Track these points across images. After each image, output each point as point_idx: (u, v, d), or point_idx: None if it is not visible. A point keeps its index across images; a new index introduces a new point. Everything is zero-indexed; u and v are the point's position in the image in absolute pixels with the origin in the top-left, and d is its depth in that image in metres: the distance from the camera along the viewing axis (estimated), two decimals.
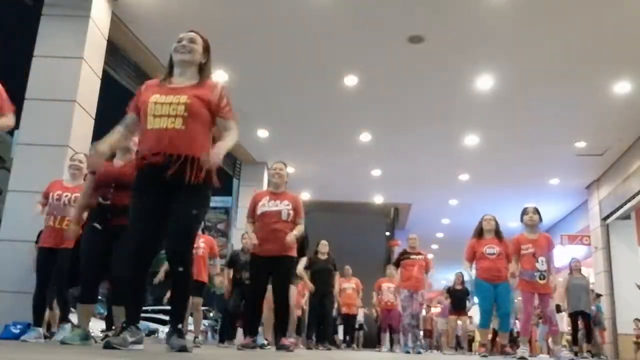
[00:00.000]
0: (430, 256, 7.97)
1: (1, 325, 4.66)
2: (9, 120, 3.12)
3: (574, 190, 11.73)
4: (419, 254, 7.57)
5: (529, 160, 10.17)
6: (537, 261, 5.07)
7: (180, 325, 2.59)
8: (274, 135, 9.60)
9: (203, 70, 2.80)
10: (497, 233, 5.79)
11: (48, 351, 2.13)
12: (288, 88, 7.82)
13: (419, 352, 7.35)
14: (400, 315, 9.52)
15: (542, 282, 5.03)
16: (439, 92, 7.87)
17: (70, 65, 5.47)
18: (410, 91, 7.88)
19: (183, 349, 2.45)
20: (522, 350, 5.21)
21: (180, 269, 2.57)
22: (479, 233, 5.88)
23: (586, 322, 8.21)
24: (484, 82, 7.52)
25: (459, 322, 9.70)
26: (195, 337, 6.20)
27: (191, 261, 2.63)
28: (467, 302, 9.82)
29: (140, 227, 2.61)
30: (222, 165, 2.50)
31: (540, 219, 5.32)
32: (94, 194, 3.50)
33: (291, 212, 4.39)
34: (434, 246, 17.89)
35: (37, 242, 4.76)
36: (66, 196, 4.39)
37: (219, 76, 7.60)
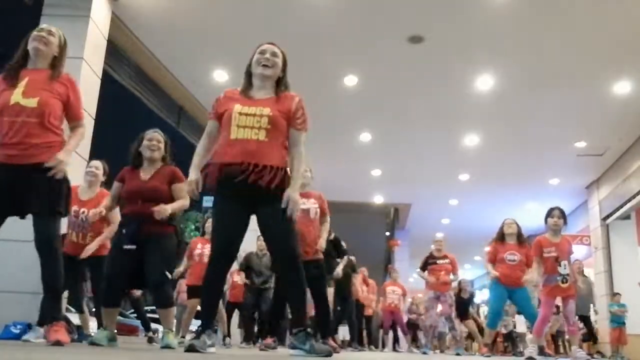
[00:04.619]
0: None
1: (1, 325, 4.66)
2: (83, 129, 3.08)
3: (574, 190, 11.73)
4: (445, 257, 7.52)
5: (529, 160, 10.17)
6: (560, 265, 4.96)
7: (311, 330, 2.61)
8: None
9: (281, 82, 2.84)
10: (519, 237, 5.75)
11: (48, 351, 2.13)
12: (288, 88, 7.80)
13: (458, 354, 7.25)
14: (401, 318, 9.55)
15: (564, 285, 4.95)
16: (439, 92, 7.87)
17: (70, 66, 5.41)
18: (410, 91, 7.88)
19: (329, 354, 2.48)
20: (531, 350, 5.19)
21: (294, 273, 2.60)
22: (501, 237, 5.82)
23: (587, 325, 8.21)
24: (484, 82, 7.52)
25: (463, 328, 9.67)
26: (225, 337, 6.23)
27: (301, 264, 2.65)
28: (471, 307, 9.83)
29: (220, 234, 2.66)
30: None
31: (565, 222, 5.16)
32: (120, 201, 3.56)
33: (318, 210, 4.45)
34: (434, 246, 17.88)
35: None
36: (83, 212, 4.35)
37: (219, 76, 7.61)
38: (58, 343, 2.68)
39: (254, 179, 2.58)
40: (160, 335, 6.85)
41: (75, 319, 5.42)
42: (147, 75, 7.53)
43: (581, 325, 8.29)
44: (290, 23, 6.41)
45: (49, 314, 2.88)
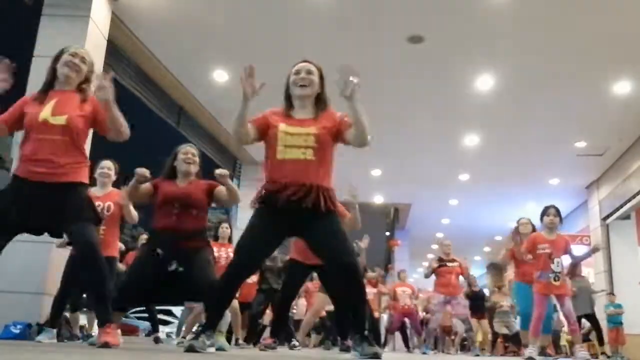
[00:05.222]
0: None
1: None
2: (126, 129, 3.01)
3: (574, 190, 11.73)
4: (454, 260, 7.47)
5: (529, 160, 10.17)
6: (553, 262, 4.98)
7: (366, 332, 2.62)
8: None
9: (320, 100, 2.85)
10: None
11: (49, 351, 2.13)
12: None
13: (477, 355, 7.23)
14: (416, 319, 9.48)
15: (556, 283, 4.96)
16: (439, 92, 7.87)
17: None
18: (410, 91, 7.88)
19: (375, 356, 2.50)
20: (531, 350, 5.19)
21: (356, 284, 2.60)
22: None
23: (594, 323, 8.18)
24: (484, 82, 7.51)
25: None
26: (237, 339, 6.22)
27: (361, 273, 2.67)
28: (485, 302, 9.72)
29: (246, 245, 2.65)
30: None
31: (561, 221, 5.22)
32: (157, 216, 3.51)
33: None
34: (434, 246, 17.88)
35: (69, 243, 4.78)
36: (98, 205, 4.38)
37: (219, 76, 7.61)
38: (106, 345, 2.71)
39: (303, 198, 2.58)
40: (159, 334, 6.87)
41: (82, 319, 5.44)
42: (147, 75, 7.53)
43: (587, 324, 8.26)
44: (290, 23, 6.41)
45: (100, 318, 2.90)
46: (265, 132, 2.78)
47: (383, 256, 17.13)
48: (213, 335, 2.69)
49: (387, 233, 15.93)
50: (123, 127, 2.93)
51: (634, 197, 9.50)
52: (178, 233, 3.35)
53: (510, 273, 14.05)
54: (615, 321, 8.80)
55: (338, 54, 7.05)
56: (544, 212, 5.23)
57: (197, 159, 3.63)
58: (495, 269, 20.72)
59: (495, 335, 9.76)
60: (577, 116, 8.37)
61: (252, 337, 7.03)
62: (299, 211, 2.59)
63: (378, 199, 13.55)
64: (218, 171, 3.34)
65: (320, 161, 2.70)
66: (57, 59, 3.02)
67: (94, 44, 5.72)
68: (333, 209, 2.67)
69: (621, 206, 10.10)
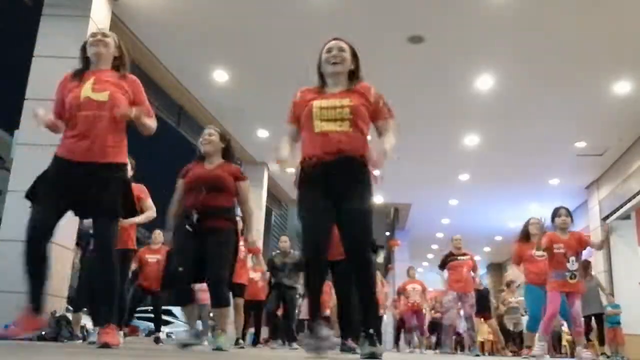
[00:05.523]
0: (477, 258, 7.83)
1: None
2: (153, 122, 3.05)
3: (574, 190, 11.73)
4: (465, 254, 7.45)
5: (529, 160, 10.17)
6: (568, 261, 5.02)
7: (372, 331, 2.60)
8: (274, 135, 9.58)
9: (354, 75, 2.89)
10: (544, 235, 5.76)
11: (49, 352, 2.14)
12: (288, 88, 7.77)
13: (477, 355, 7.22)
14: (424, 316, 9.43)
15: (572, 281, 5.00)
16: (439, 92, 7.87)
17: (70, 65, 5.41)
18: (410, 91, 7.87)
19: (372, 356, 2.49)
20: (537, 347, 5.19)
21: (364, 269, 2.61)
22: (526, 236, 5.81)
23: (599, 324, 8.17)
24: (484, 82, 7.51)
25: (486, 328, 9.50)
26: (238, 339, 6.21)
27: (371, 260, 2.67)
28: (492, 300, 9.65)
29: (312, 231, 2.65)
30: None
31: (572, 220, 5.26)
32: (186, 197, 3.60)
33: None
34: (434, 246, 17.89)
35: (77, 243, 4.78)
36: None
37: (219, 76, 7.61)
38: (105, 345, 2.71)
39: (341, 170, 2.60)
40: (159, 334, 6.87)
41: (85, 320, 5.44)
42: (147, 75, 7.53)
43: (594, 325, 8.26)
44: (290, 23, 6.41)
45: (101, 317, 2.93)
46: (299, 115, 2.82)
47: (383, 256, 17.13)
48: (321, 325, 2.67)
49: (387, 233, 15.94)
50: (151, 130, 3.02)
51: (634, 197, 9.50)
52: (204, 210, 3.46)
53: (510, 273, 14.02)
54: (613, 321, 8.80)
55: None
56: (555, 213, 5.25)
57: (213, 138, 3.74)
58: (495, 269, 20.73)
59: (507, 334, 9.69)
60: (577, 116, 8.37)
61: (275, 334, 7.07)
62: (336, 185, 2.62)
63: (378, 199, 13.55)
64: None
65: (357, 132, 2.71)
66: (83, 48, 3.06)
67: None
68: (367, 179, 2.68)
69: (621, 206, 10.10)
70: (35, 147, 5.23)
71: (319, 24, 6.41)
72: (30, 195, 2.86)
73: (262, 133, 9.52)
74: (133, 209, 3.03)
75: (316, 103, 2.73)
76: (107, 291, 2.88)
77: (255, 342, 7.50)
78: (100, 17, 5.82)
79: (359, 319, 2.77)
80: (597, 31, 6.25)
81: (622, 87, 7.42)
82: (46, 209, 2.79)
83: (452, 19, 6.22)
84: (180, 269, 3.40)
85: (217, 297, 3.49)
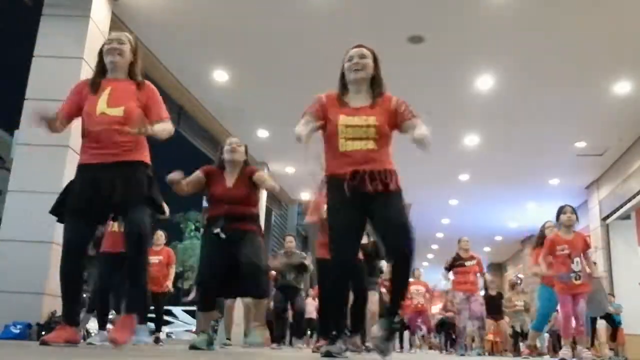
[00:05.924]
0: (483, 265, 7.73)
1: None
2: (168, 125, 3.05)
3: (574, 190, 11.72)
4: (472, 258, 7.38)
5: (529, 160, 10.17)
6: (573, 262, 4.98)
7: (395, 324, 2.69)
8: (274, 135, 9.59)
9: (375, 83, 2.91)
10: None
11: (49, 352, 2.13)
12: (288, 88, 7.81)
13: (479, 354, 7.21)
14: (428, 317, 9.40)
15: (577, 282, 4.96)
16: (439, 92, 7.86)
17: (70, 65, 5.46)
18: (410, 91, 7.83)
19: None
20: (564, 352, 5.19)
21: (406, 263, 2.67)
22: (543, 241, 5.82)
23: (609, 323, 8.14)
24: (484, 82, 7.51)
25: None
26: (228, 339, 6.21)
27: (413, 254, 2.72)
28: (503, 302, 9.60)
29: (341, 244, 2.73)
30: None
31: (577, 218, 5.22)
32: (210, 208, 3.75)
33: None
34: (434, 246, 17.89)
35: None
36: None
37: (219, 76, 7.61)
38: (113, 341, 2.74)
39: (370, 182, 2.67)
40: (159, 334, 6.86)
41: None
42: (147, 75, 7.49)
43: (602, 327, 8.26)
44: (290, 23, 6.41)
45: (129, 304, 2.95)
46: (322, 118, 2.84)
47: (382, 256, 17.11)
48: (341, 339, 2.76)
49: None
50: (169, 135, 3.07)
51: (634, 197, 9.50)
52: (229, 216, 3.58)
53: (510, 273, 14.05)
54: (614, 321, 8.80)
55: (338, 53, 7.05)
56: (560, 211, 5.21)
57: (241, 148, 3.86)
58: (495, 269, 20.73)
59: (516, 335, 9.66)
60: (577, 116, 8.37)
61: (280, 336, 7.05)
62: (366, 196, 2.68)
63: None
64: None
65: (382, 150, 2.82)
66: (100, 52, 3.06)
67: (94, 44, 5.71)
68: (397, 189, 2.78)
69: (621, 206, 10.10)
70: (35, 147, 5.24)
71: (319, 24, 6.41)
72: (57, 210, 2.89)
73: (262, 133, 9.52)
74: (160, 207, 3.03)
75: (342, 120, 2.76)
76: (137, 275, 2.87)
77: None
78: (100, 17, 5.82)
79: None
80: (597, 31, 6.24)
81: (622, 87, 7.42)
82: (79, 223, 2.82)
83: (452, 19, 6.22)
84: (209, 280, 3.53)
85: (258, 287, 3.51)
